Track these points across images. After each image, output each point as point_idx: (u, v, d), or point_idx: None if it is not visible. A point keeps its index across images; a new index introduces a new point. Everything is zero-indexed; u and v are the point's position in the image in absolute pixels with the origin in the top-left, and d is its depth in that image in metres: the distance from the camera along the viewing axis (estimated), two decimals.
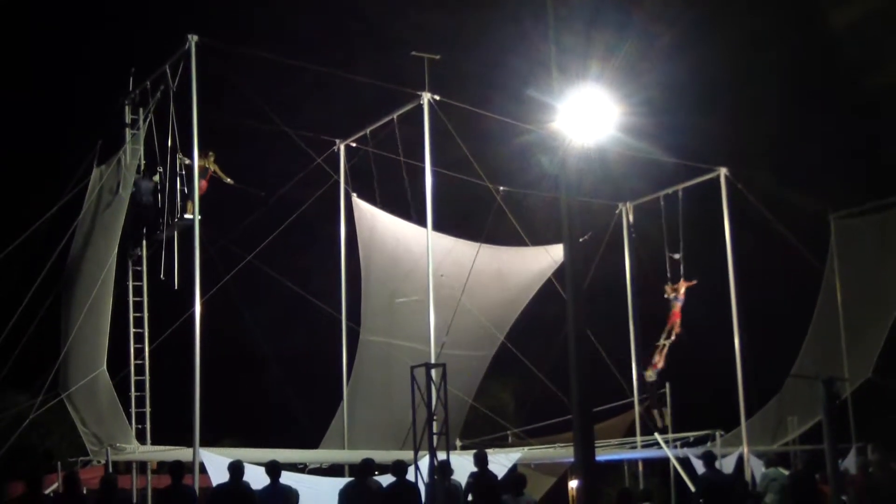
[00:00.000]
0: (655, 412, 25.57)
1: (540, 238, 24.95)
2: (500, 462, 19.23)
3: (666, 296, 25.61)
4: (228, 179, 20.58)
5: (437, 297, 20.40)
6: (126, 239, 19.99)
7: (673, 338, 25.29)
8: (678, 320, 25.37)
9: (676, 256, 25.51)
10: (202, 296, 17.85)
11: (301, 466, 20.14)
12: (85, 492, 15.64)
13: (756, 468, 22.06)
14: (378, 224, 23.39)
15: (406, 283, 23.10)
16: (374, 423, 22.82)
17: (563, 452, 22.84)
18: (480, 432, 27.37)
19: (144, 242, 20.45)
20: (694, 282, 25.29)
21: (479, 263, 23.03)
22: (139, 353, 19.86)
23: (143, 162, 20.35)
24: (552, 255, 24.91)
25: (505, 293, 25.44)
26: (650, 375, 25.49)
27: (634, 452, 25.65)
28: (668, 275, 25.61)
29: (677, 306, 25.43)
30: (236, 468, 13.91)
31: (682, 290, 25.40)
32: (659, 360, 25.37)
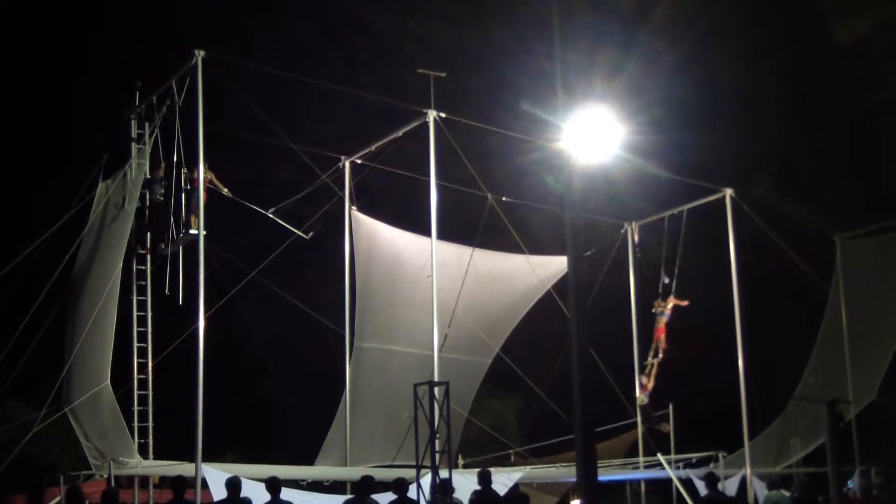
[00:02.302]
0: (659, 427, 25.29)
1: (543, 251, 24.96)
2: (502, 482, 19.20)
3: (653, 310, 25.53)
4: (226, 190, 20.55)
5: (430, 302, 20.45)
6: (134, 241, 20.09)
7: (661, 356, 25.09)
8: (663, 336, 25.23)
9: (667, 281, 25.48)
10: (206, 311, 17.88)
11: (302, 483, 20.12)
12: None
13: (759, 490, 21.99)
14: (377, 234, 23.43)
15: (403, 289, 23.18)
16: (371, 432, 22.80)
17: (565, 472, 22.80)
18: (482, 450, 27.33)
19: (149, 258, 20.46)
20: (686, 302, 25.16)
21: (477, 269, 23.07)
22: (142, 367, 19.85)
23: (148, 176, 20.36)
24: (552, 265, 24.88)
25: (502, 299, 25.37)
26: (641, 399, 25.26)
27: (637, 473, 25.57)
28: (660, 293, 25.57)
29: (662, 321, 25.24)
30: (234, 484, 13.89)
31: (670, 306, 25.24)
32: (648, 382, 25.14)
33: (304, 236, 21.57)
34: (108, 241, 19.90)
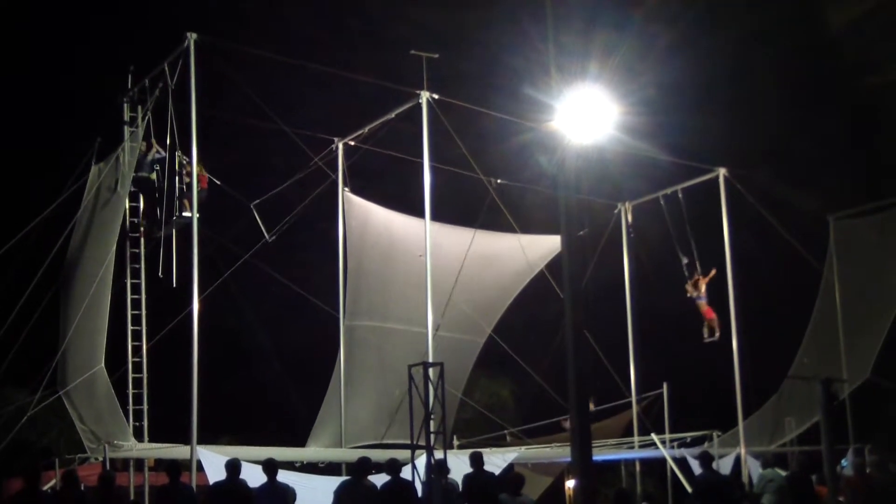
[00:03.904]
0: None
1: (536, 232, 24.95)
2: (496, 463, 19.23)
3: (689, 295, 25.38)
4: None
5: (423, 281, 20.49)
6: (127, 224, 20.06)
7: (717, 336, 24.79)
8: (713, 316, 24.99)
9: (685, 261, 25.30)
10: (200, 293, 17.87)
11: (297, 464, 20.16)
12: (83, 489, 15.65)
13: (753, 469, 22.06)
14: (370, 215, 23.44)
15: (396, 269, 23.20)
16: (363, 410, 22.83)
17: (559, 452, 22.85)
18: (477, 431, 27.39)
19: (143, 241, 20.43)
20: (713, 272, 24.96)
21: (470, 249, 23.10)
22: (137, 350, 19.85)
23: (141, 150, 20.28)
24: (545, 244, 24.87)
25: (495, 279, 25.35)
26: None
27: (631, 453, 25.64)
28: (686, 274, 25.40)
29: (703, 304, 25.12)
30: (233, 466, 13.92)
31: (703, 287, 25.10)
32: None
33: (267, 238, 21.52)
34: (102, 225, 19.88)
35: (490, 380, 33.58)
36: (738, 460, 23.03)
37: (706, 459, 16.16)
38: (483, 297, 24.96)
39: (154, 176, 20.06)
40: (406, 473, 15.37)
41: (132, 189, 20.06)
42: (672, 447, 23.97)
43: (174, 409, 18.26)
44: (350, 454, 19.65)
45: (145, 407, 19.55)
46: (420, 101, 20.52)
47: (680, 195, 25.52)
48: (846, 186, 29.91)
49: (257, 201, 21.39)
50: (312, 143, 21.92)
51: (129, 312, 20.00)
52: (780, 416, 25.35)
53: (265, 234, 21.44)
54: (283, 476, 15.19)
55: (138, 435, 19.11)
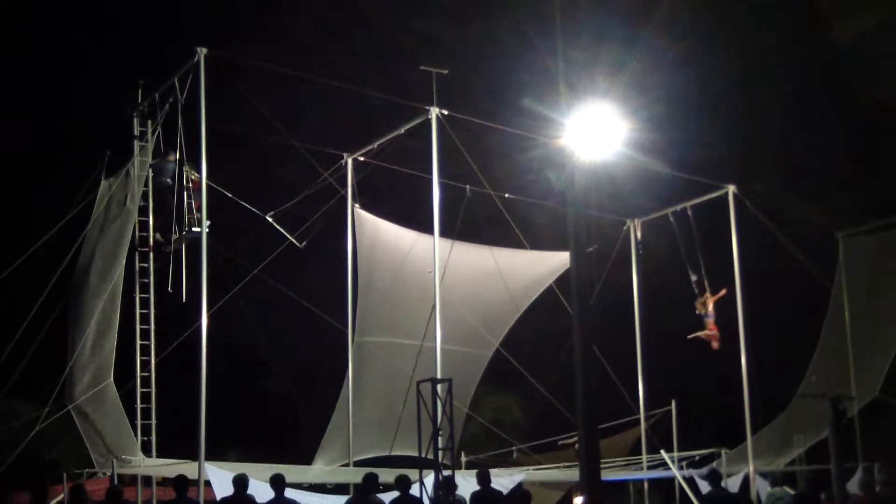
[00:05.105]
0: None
1: (545, 247, 24.94)
2: (504, 483, 19.19)
3: (697, 312, 25.37)
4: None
5: (430, 295, 20.48)
6: (136, 239, 20.07)
7: (715, 346, 24.95)
8: (714, 331, 25.01)
9: (694, 278, 25.26)
10: (209, 309, 17.88)
11: (305, 484, 20.15)
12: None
13: (761, 488, 21.98)
14: (379, 231, 23.45)
15: (406, 285, 23.19)
16: (371, 424, 22.79)
17: (567, 473, 22.75)
18: (485, 447, 27.33)
19: (152, 255, 20.44)
20: (723, 291, 24.94)
21: (477, 263, 23.09)
22: (145, 365, 19.85)
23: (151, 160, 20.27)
24: (553, 260, 24.84)
25: (503, 295, 25.30)
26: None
27: (639, 473, 25.51)
28: (696, 291, 25.36)
29: (709, 322, 25.11)
30: (241, 481, 13.94)
31: (711, 306, 25.11)
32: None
33: (298, 245, 21.52)
34: (111, 239, 19.91)
35: (498, 395, 33.51)
36: (746, 479, 22.91)
37: (715, 477, 16.13)
38: (491, 312, 24.94)
39: (169, 180, 20.05)
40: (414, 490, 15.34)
41: (142, 203, 20.10)
42: (680, 466, 23.88)
43: (182, 423, 18.25)
44: (358, 474, 19.67)
45: (153, 422, 19.54)
46: (429, 116, 20.54)
47: (689, 212, 25.46)
48: (855, 203, 29.87)
49: (272, 213, 21.42)
50: (322, 159, 21.96)
51: (138, 327, 20.01)
52: (788, 433, 25.27)
53: (294, 241, 21.44)
54: (291, 492, 15.18)
55: (146, 450, 19.11)
